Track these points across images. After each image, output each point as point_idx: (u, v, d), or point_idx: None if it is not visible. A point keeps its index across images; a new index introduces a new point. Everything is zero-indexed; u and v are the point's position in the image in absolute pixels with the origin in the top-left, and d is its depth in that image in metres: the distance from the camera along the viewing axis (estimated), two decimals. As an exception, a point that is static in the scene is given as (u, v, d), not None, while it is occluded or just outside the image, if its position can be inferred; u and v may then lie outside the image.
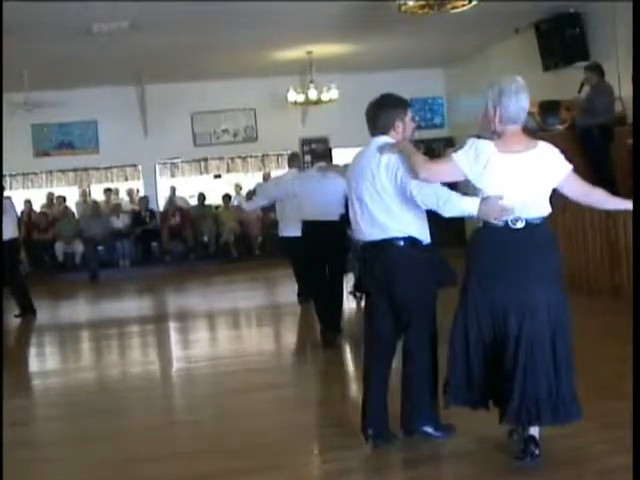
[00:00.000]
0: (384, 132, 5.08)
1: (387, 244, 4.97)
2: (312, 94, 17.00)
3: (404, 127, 5.10)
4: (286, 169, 12.01)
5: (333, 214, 8.44)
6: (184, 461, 5.15)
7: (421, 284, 4.96)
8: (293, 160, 11.79)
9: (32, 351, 10.41)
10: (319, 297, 9.00)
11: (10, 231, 11.83)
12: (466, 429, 5.08)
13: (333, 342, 8.55)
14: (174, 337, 10.73)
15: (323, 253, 8.71)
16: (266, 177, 18.61)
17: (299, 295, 11.36)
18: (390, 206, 4.93)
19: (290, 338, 9.99)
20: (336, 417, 6.00)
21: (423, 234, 5.03)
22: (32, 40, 12.89)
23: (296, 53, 15.91)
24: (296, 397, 6.75)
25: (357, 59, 16.92)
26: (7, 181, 18.98)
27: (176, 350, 9.86)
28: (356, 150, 5.43)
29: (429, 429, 5.05)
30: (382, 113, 5.13)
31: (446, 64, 18.64)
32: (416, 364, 5.01)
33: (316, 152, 10.03)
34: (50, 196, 19.06)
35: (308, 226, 8.91)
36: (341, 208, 8.33)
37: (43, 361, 9.69)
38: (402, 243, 4.95)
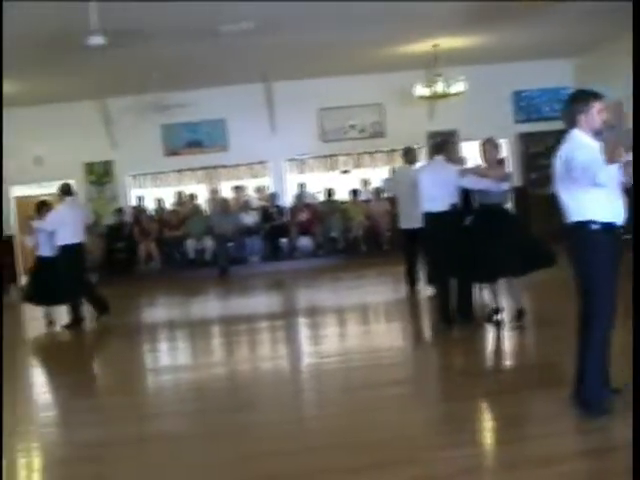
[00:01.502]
0: (572, 126, 5.44)
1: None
2: (439, 87, 16.82)
3: (587, 120, 5.39)
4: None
5: (446, 204, 8.97)
6: (314, 456, 5.12)
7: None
8: (408, 154, 12.19)
9: (163, 346, 10.59)
10: (443, 288, 9.13)
11: (70, 236, 11.71)
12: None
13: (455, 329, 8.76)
14: (303, 333, 10.73)
15: (442, 243, 8.86)
16: (393, 172, 18.54)
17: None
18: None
19: (419, 333, 9.88)
20: (464, 413, 5.89)
21: None
22: (161, 43, 13.13)
23: (422, 47, 15.74)
24: (425, 393, 6.66)
25: (484, 51, 16.63)
26: (139, 180, 19.45)
27: (305, 345, 9.86)
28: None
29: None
30: (566, 109, 5.52)
31: (574, 54, 18.11)
32: None
33: (434, 145, 10.30)
34: (180, 194, 19.41)
35: (427, 218, 9.24)
36: (454, 198, 9.01)
37: (174, 356, 9.84)
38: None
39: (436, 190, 9.01)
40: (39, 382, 8.86)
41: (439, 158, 9.38)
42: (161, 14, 11.43)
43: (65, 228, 11.63)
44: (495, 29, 14.63)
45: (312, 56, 15.85)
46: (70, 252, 11.67)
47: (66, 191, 12.07)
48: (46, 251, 11.91)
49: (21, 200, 20.03)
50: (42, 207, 12.25)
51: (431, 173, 9.34)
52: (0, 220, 18.80)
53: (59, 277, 11.62)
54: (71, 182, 18.87)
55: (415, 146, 12.92)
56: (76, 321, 11.70)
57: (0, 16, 10.14)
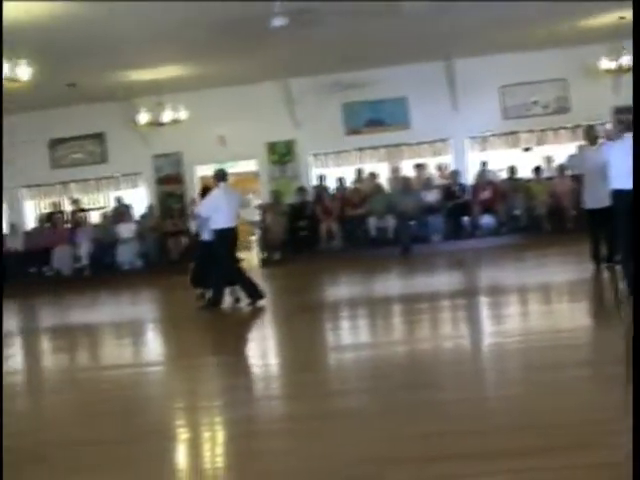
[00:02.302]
0: None
1: None
2: (624, 61, 16.24)
3: None
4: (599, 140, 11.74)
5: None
6: (502, 436, 5.07)
7: None
8: (588, 133, 12.13)
9: (345, 324, 10.71)
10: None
11: (224, 221, 11.88)
12: None
13: None
14: (485, 312, 10.62)
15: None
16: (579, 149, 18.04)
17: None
18: None
19: (603, 314, 9.56)
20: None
21: None
22: (342, 22, 13.22)
23: (607, 19, 15.25)
24: (612, 374, 6.48)
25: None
26: (320, 159, 19.69)
27: (487, 325, 9.77)
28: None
29: None
30: None
31: None
32: None
33: (625, 122, 9.80)
34: (359, 172, 19.51)
35: (617, 196, 9.03)
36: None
37: (356, 334, 9.94)
38: None
39: (627, 168, 8.66)
40: (223, 360, 9.10)
41: (629, 135, 8.97)
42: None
43: (219, 213, 11.86)
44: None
45: (492, 32, 15.62)
46: (224, 236, 11.91)
47: (220, 176, 12.28)
48: (206, 235, 12.20)
49: (206, 179, 20.69)
50: (206, 192, 12.56)
51: (621, 150, 8.99)
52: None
53: (213, 261, 11.90)
54: (254, 162, 19.58)
55: (598, 122, 12.56)
56: (215, 302, 11.99)
57: (0, 16, 10.12)
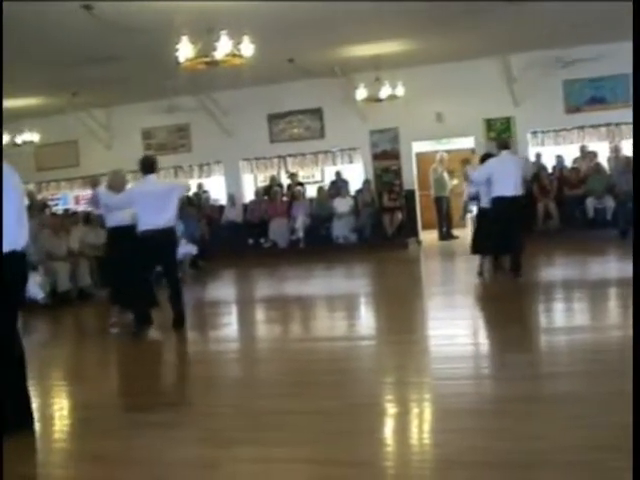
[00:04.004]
0: None
1: None
2: None
3: None
4: None
5: None
6: None
7: None
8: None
9: (558, 306, 10.47)
10: None
11: (507, 188, 11.82)
12: None
13: None
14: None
15: None
16: None
17: None
18: None
19: None
20: None
21: None
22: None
23: None
24: None
25: None
26: (538, 137, 19.26)
27: None
28: None
29: None
30: None
31: None
32: None
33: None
34: (582, 149, 18.95)
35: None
36: None
37: (570, 316, 9.69)
38: None
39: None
40: (433, 337, 9.12)
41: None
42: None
43: (501, 180, 11.83)
44: None
45: None
46: (507, 205, 11.85)
47: (504, 145, 12.55)
48: (484, 202, 12.21)
49: (421, 156, 20.72)
50: (485, 158, 12.56)
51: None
52: None
53: (500, 229, 11.85)
54: (470, 139, 19.40)
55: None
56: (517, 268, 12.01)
57: (0, 16, 10.03)
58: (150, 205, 9.68)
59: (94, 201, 10.53)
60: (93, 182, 11.01)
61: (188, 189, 13.32)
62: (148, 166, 10.01)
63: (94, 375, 8.49)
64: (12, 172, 5.74)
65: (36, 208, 18.89)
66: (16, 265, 5.68)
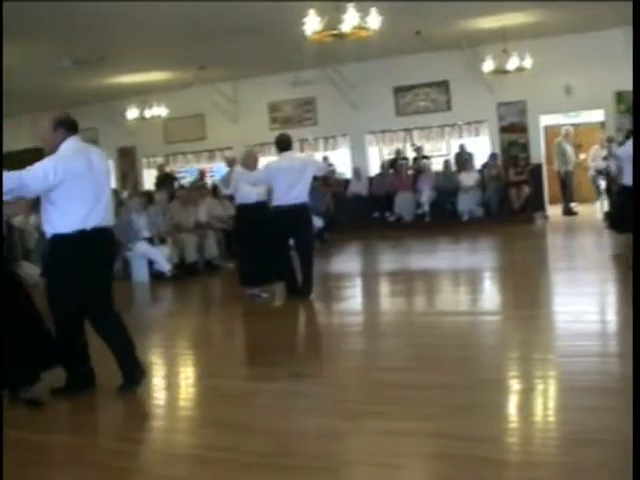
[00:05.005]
0: None
1: None
2: None
3: None
4: None
5: None
6: None
7: None
8: None
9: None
10: None
11: None
12: None
13: None
14: None
15: None
16: None
17: None
18: None
19: None
20: None
21: None
22: None
23: None
24: None
25: None
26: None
27: None
28: None
29: None
30: None
31: None
32: None
33: None
34: None
35: None
36: None
37: None
38: None
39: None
40: (556, 312, 8.99)
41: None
42: None
43: None
44: None
45: None
46: None
47: None
48: (626, 178, 11.87)
49: (550, 129, 20.32)
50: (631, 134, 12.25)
51: None
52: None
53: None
54: (599, 112, 18.92)
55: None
56: None
57: (0, 16, 9.99)
58: (286, 181, 10.06)
59: (226, 181, 10.75)
60: (229, 160, 11.19)
61: (324, 169, 13.43)
62: (285, 144, 10.40)
63: (220, 344, 8.72)
64: (104, 158, 6.38)
65: (163, 181, 19.42)
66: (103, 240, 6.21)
